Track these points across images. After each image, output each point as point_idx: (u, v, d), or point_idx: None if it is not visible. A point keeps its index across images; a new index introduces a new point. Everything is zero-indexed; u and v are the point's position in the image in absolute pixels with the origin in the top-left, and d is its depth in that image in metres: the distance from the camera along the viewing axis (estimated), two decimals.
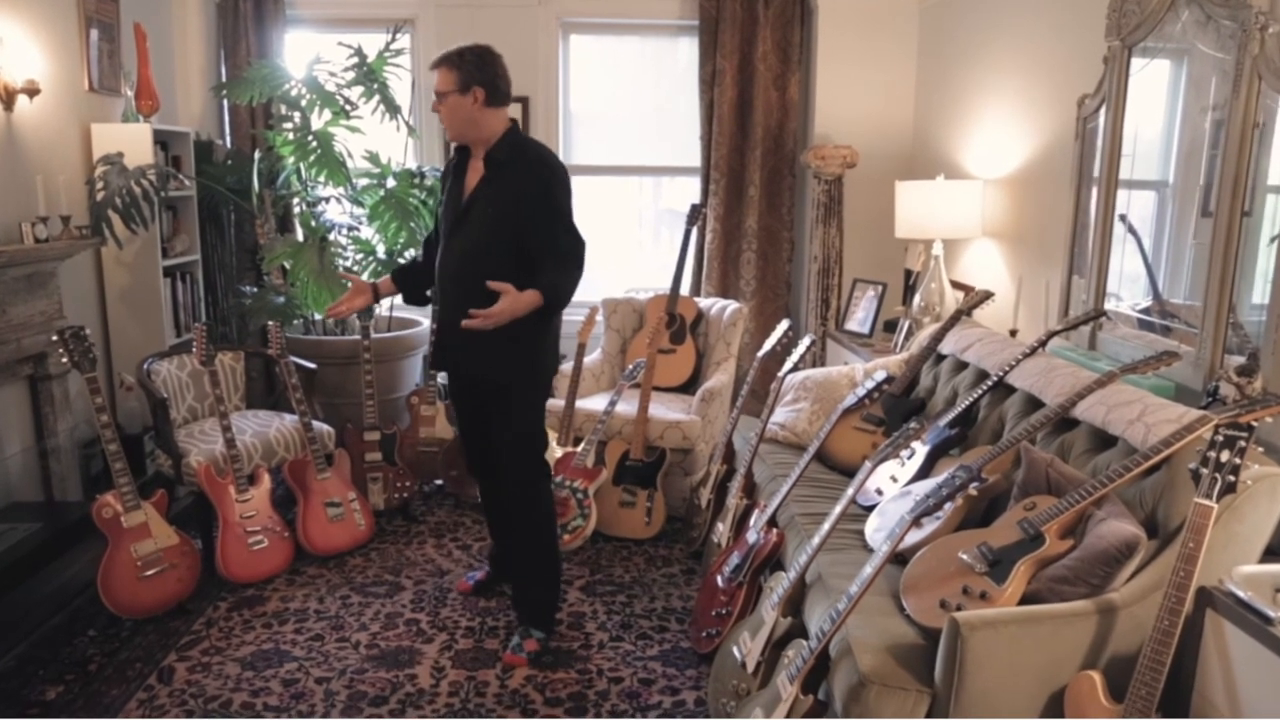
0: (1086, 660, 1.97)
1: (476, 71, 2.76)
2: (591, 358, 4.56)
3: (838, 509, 2.47)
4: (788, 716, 2.11)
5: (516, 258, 2.75)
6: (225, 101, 4.99)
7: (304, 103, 4.24)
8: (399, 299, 3.34)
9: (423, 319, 4.84)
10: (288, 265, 4.28)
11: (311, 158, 4.17)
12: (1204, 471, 1.84)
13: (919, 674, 2.02)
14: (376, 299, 3.21)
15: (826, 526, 2.45)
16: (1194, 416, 2.17)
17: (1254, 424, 2.01)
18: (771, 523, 2.91)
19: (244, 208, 4.70)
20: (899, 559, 2.42)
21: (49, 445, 3.72)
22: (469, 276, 2.77)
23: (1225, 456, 1.82)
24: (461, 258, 2.85)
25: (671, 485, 4.04)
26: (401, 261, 4.46)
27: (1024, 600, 2.08)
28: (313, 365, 3.97)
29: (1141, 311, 3.07)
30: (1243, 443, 1.82)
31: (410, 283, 3.20)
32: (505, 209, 2.77)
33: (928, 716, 2.00)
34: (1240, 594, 1.79)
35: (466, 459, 3.29)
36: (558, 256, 2.76)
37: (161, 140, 4.30)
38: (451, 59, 2.76)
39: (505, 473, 2.99)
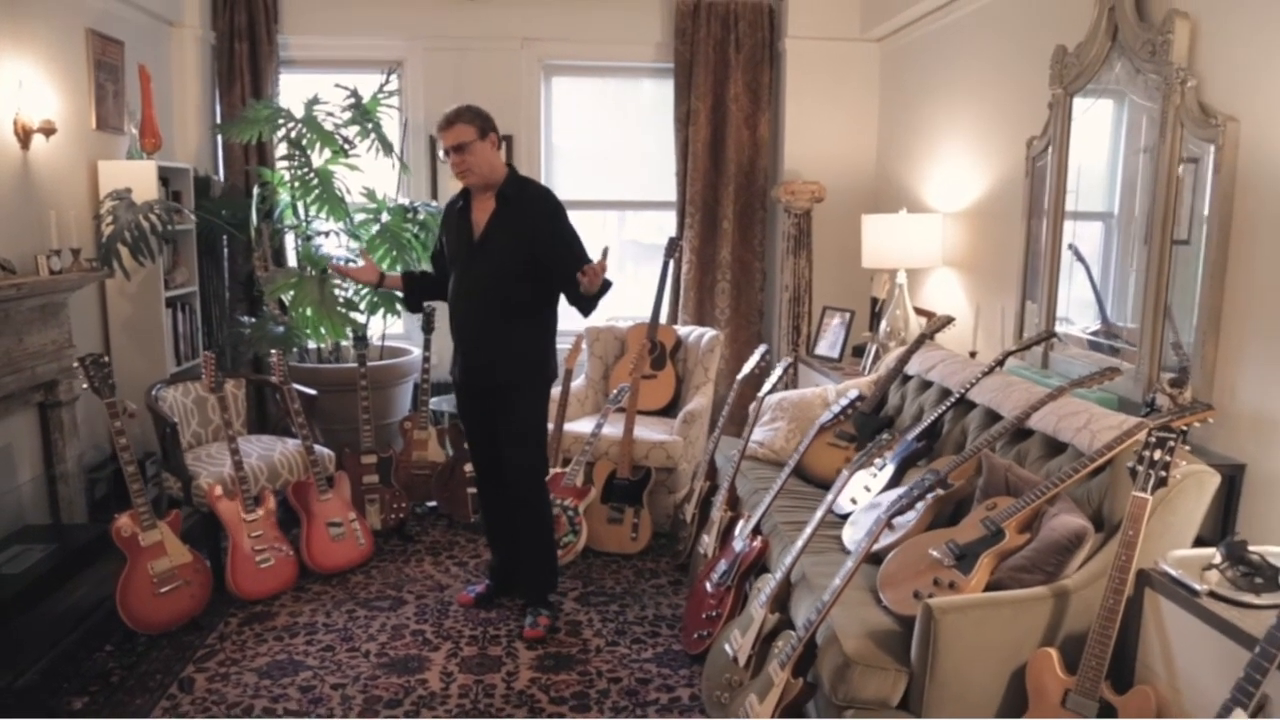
0: (1044, 639, 2.22)
1: (484, 120, 3.21)
2: (576, 383, 4.78)
3: (819, 513, 2.72)
4: (780, 698, 2.34)
5: (532, 279, 3.20)
6: (219, 138, 5.18)
7: (304, 141, 4.45)
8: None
9: (414, 348, 5.04)
10: (285, 298, 4.46)
11: (313, 194, 4.38)
12: (1139, 469, 2.10)
13: (897, 656, 2.26)
14: (379, 283, 3.54)
15: (809, 530, 2.69)
16: (1133, 423, 2.45)
17: (1184, 428, 2.30)
18: (756, 531, 3.15)
19: (239, 241, 4.89)
20: (875, 559, 2.67)
21: (58, 470, 3.86)
22: (493, 298, 3.20)
23: (1157, 455, 2.09)
24: (484, 283, 3.23)
25: (656, 503, 4.26)
26: (396, 293, 4.67)
27: (988, 588, 2.33)
28: (313, 391, 4.15)
29: (1091, 334, 3.36)
30: (1172, 443, 2.09)
31: (417, 288, 3.58)
32: (521, 237, 3.18)
33: (906, 692, 2.23)
34: (1173, 572, 2.05)
35: (474, 466, 3.59)
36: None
37: (163, 176, 4.49)
38: (464, 114, 3.18)
39: (514, 465, 3.35)
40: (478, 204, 3.28)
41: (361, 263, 3.64)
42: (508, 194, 3.23)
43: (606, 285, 3.18)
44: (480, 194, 3.27)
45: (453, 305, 3.37)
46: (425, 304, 3.84)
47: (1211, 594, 1.99)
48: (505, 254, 3.20)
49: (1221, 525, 2.60)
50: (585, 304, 3.22)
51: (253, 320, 4.77)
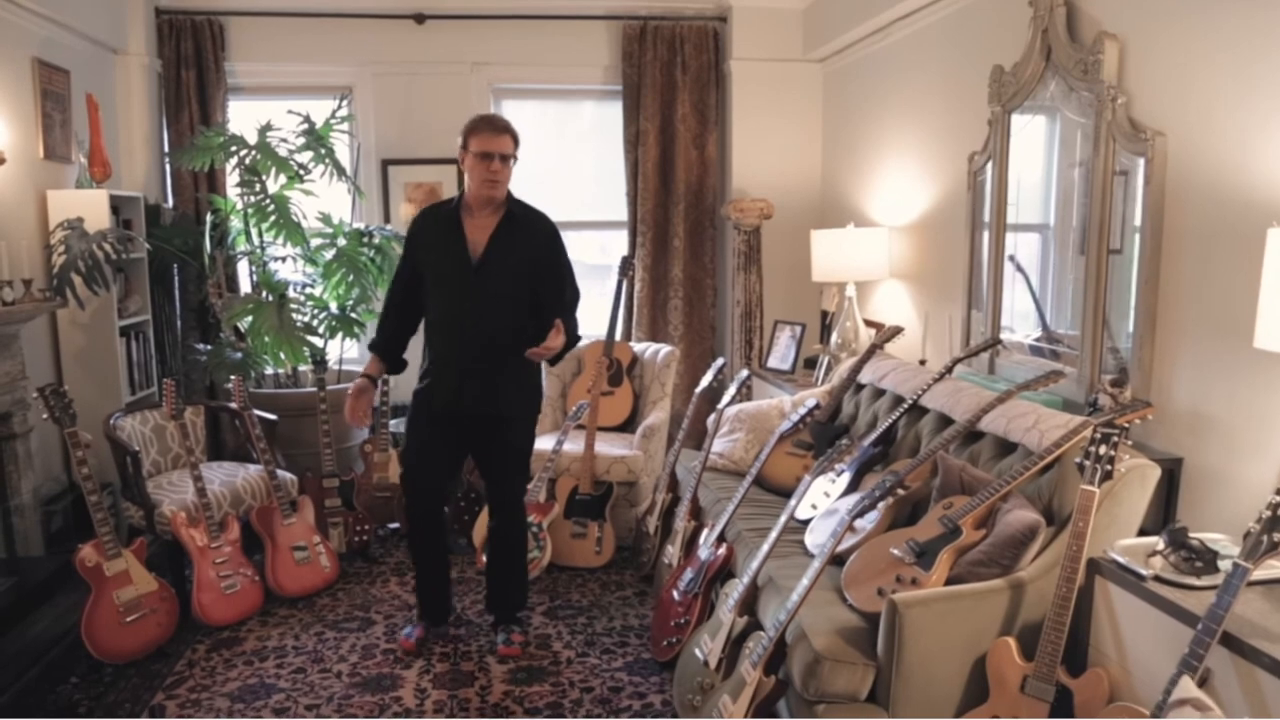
0: (1003, 629, 2.33)
1: (519, 143, 3.16)
2: None
3: (783, 518, 2.81)
4: (753, 697, 2.41)
5: (530, 303, 3.18)
6: (168, 166, 5.15)
7: (259, 168, 4.46)
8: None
9: None
10: (242, 324, 4.46)
11: (269, 220, 4.39)
12: (1087, 464, 2.23)
13: (864, 650, 2.35)
14: (375, 384, 3.36)
15: (774, 535, 2.78)
16: (1078, 422, 2.59)
17: (1126, 425, 2.44)
18: (720, 539, 3.23)
19: (191, 268, 4.87)
20: (839, 560, 2.76)
21: (13, 503, 3.80)
22: (494, 323, 3.13)
23: (1103, 450, 2.22)
24: (486, 306, 3.13)
25: (619, 516, 4.32)
26: (354, 316, 4.69)
27: (948, 583, 2.44)
28: (274, 416, 4.14)
29: (1034, 341, 3.51)
30: (1116, 439, 2.22)
31: (394, 355, 3.39)
32: (523, 260, 3.14)
33: (874, 685, 2.32)
34: (1120, 560, 2.18)
35: (418, 498, 3.34)
36: (570, 305, 3.23)
37: (113, 205, 4.45)
38: (511, 129, 3.11)
39: (506, 494, 3.37)
40: (476, 222, 3.14)
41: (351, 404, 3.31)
42: (515, 213, 3.15)
43: (574, 340, 3.22)
44: (482, 210, 3.14)
45: (441, 329, 3.20)
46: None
47: (1157, 578, 2.11)
48: (508, 276, 3.11)
49: (1163, 516, 2.74)
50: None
51: (208, 347, 4.75)
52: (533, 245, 3.17)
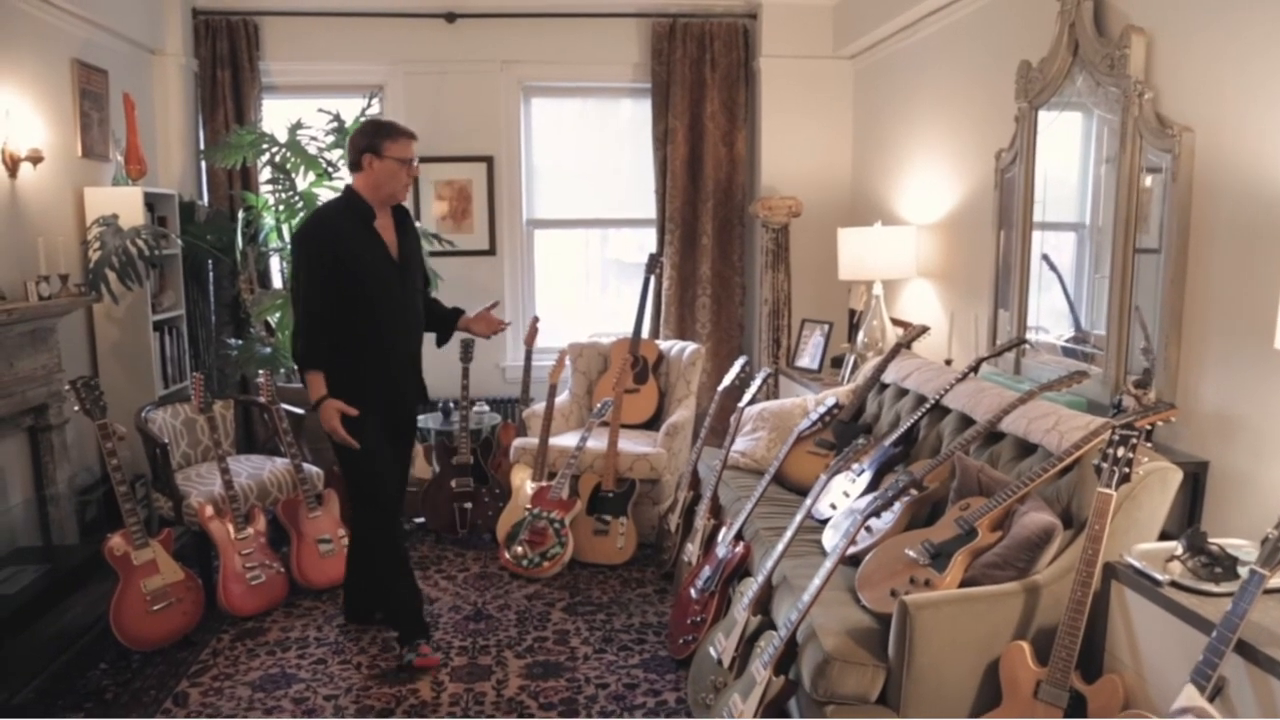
0: (1017, 632, 2.29)
1: None
2: (560, 399, 4.84)
3: (798, 517, 2.79)
4: (763, 696, 2.40)
5: None
6: (203, 164, 5.24)
7: (288, 165, 4.53)
8: None
9: None
10: (271, 319, 4.52)
11: (297, 217, 4.45)
12: (1104, 466, 2.19)
13: (875, 652, 2.33)
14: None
15: (789, 534, 2.77)
16: (1099, 424, 2.54)
17: (1148, 427, 2.39)
18: (738, 538, 3.22)
19: (225, 264, 4.95)
20: (855, 561, 2.74)
21: (49, 493, 3.90)
22: (418, 318, 3.36)
23: (1121, 452, 2.18)
24: (414, 302, 3.32)
25: (641, 514, 4.32)
26: None
27: (963, 585, 2.41)
28: (301, 411, 4.20)
29: (1067, 341, 3.43)
30: (1134, 440, 2.18)
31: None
32: (419, 253, 3.38)
33: (884, 687, 2.30)
34: (1137, 564, 2.13)
35: (396, 510, 3.36)
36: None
37: (148, 202, 4.54)
38: None
39: (405, 476, 3.57)
40: (381, 223, 3.20)
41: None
42: (403, 210, 3.30)
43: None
44: (382, 210, 3.21)
45: (385, 330, 3.18)
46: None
47: (1174, 584, 2.07)
48: (417, 270, 3.34)
49: (1188, 520, 2.68)
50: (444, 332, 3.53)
51: (239, 342, 4.83)
52: (416, 237, 3.39)
